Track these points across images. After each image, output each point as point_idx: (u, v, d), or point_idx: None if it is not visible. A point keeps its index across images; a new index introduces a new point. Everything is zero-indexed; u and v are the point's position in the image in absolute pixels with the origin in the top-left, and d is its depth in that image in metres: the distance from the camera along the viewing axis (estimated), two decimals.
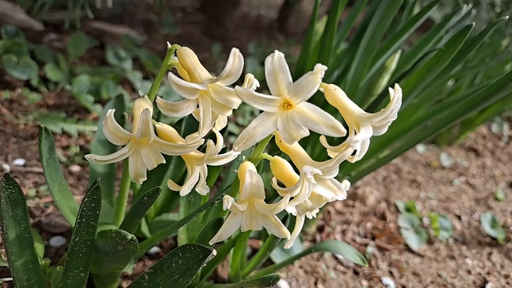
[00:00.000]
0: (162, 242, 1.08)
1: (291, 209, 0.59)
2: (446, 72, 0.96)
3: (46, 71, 1.63)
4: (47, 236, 1.00)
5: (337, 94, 0.52)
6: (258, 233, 1.15)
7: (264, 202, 0.56)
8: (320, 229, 1.30)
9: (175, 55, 0.58)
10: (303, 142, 1.15)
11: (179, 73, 0.60)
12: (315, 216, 0.63)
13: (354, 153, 0.53)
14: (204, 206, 0.74)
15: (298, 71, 1.32)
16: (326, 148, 0.56)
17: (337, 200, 1.25)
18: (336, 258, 1.18)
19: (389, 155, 0.99)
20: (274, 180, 0.57)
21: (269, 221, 0.59)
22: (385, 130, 0.53)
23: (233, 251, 0.89)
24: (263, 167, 0.79)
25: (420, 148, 2.07)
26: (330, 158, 0.54)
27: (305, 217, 0.63)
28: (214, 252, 0.57)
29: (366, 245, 1.27)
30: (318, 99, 0.90)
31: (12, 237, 0.63)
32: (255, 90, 0.59)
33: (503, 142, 2.41)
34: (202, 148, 0.70)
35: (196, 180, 0.66)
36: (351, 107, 0.52)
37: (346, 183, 0.61)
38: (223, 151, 0.70)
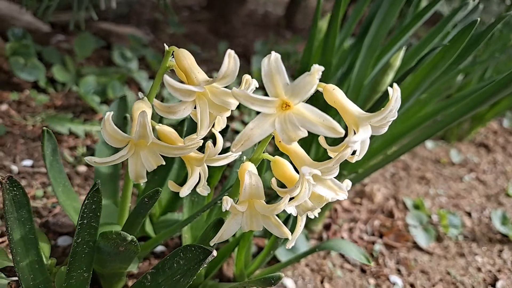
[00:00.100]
0: (168, 241, 1.08)
1: (291, 210, 0.59)
2: (452, 68, 0.95)
3: (53, 72, 1.64)
4: (54, 235, 1.01)
5: (336, 94, 0.52)
6: (263, 231, 1.15)
7: (264, 203, 0.56)
8: (327, 227, 1.29)
9: (173, 57, 0.58)
10: (308, 142, 1.14)
11: (177, 75, 0.60)
12: (317, 215, 0.63)
13: (354, 153, 0.53)
14: (207, 206, 0.74)
15: (302, 69, 1.31)
16: None
17: None
18: (342, 256, 1.18)
19: (397, 151, 0.98)
20: (273, 180, 0.56)
21: (269, 221, 0.59)
22: (385, 129, 0.53)
23: (238, 250, 0.89)
24: (267, 167, 0.78)
25: (429, 144, 2.04)
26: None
27: (311, 215, 0.62)
28: (214, 253, 0.57)
29: (373, 243, 1.26)
30: (319, 99, 0.89)
31: (17, 238, 0.64)
32: (256, 89, 0.59)
33: None
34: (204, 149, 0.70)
35: (196, 181, 0.66)
36: (350, 107, 0.51)
37: (347, 183, 0.60)
38: (227, 150, 0.70)
